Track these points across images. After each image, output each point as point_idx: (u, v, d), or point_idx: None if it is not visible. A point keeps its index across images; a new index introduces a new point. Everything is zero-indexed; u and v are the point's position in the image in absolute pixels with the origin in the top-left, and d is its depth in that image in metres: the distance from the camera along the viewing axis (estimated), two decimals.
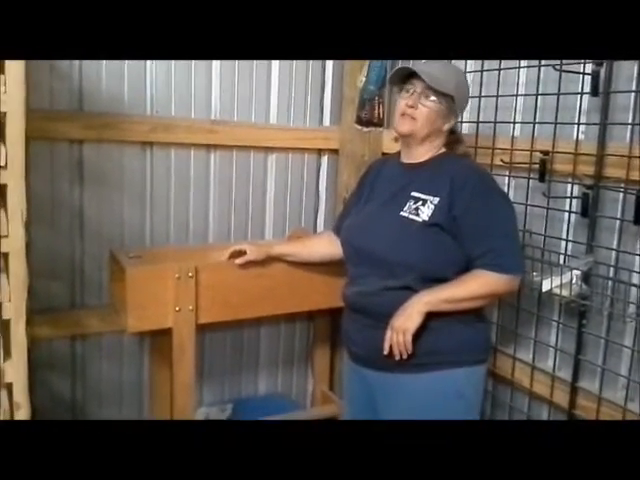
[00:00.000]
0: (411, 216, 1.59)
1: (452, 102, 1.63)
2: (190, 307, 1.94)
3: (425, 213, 1.57)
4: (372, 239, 1.65)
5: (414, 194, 1.61)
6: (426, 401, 1.60)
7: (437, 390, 1.60)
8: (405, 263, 1.58)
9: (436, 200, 1.57)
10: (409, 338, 1.53)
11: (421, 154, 1.68)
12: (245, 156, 2.47)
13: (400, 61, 2.50)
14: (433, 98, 1.60)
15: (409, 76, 1.63)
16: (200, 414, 2.44)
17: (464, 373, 1.61)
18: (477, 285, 1.56)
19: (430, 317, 1.55)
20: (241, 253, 2.00)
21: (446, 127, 1.67)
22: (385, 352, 1.57)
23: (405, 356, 1.55)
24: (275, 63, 2.47)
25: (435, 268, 1.58)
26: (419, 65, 1.64)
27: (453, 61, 2.22)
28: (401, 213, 1.60)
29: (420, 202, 1.59)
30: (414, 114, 1.61)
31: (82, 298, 2.24)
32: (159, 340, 2.22)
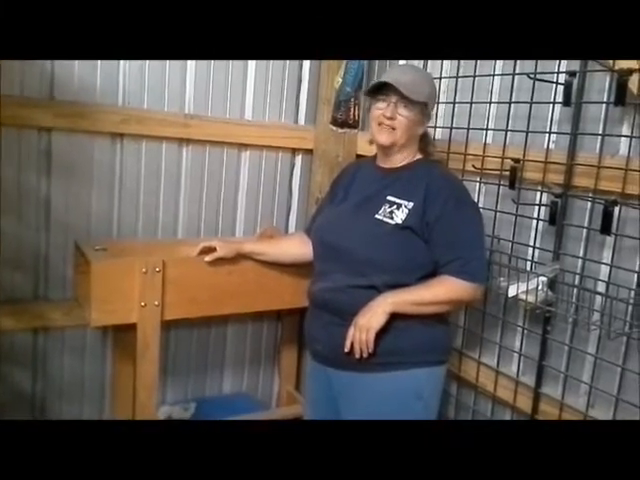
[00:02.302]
0: (385, 219, 1.61)
1: (425, 108, 1.66)
2: (156, 302, 1.91)
3: (399, 217, 1.60)
4: (343, 236, 1.66)
5: (390, 198, 1.64)
6: (386, 401, 1.61)
7: (397, 390, 1.61)
8: (374, 262, 1.60)
9: (410, 205, 1.60)
10: (372, 337, 1.54)
11: (399, 160, 1.71)
12: (218, 152, 2.45)
13: (377, 64, 2.53)
14: (409, 107, 1.62)
15: (382, 86, 1.63)
16: (163, 412, 2.41)
17: (424, 373, 1.63)
18: (443, 290, 1.59)
19: (392, 317, 1.56)
20: (211, 249, 1.98)
21: (420, 131, 1.71)
22: (346, 349, 1.57)
23: (365, 354, 1.55)
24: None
25: (403, 269, 1.60)
26: (393, 74, 1.65)
27: (426, 64, 2.24)
28: (376, 216, 1.62)
29: (395, 206, 1.62)
30: (393, 124, 1.63)
31: (46, 290, 2.20)
32: (123, 335, 2.18)
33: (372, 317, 1.54)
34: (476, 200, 2.07)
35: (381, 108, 1.64)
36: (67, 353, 2.29)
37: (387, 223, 1.60)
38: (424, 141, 1.75)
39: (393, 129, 1.63)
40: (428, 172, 1.67)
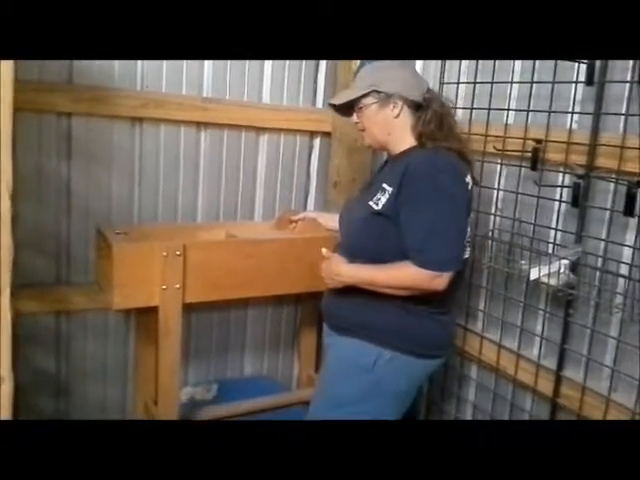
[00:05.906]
0: (372, 205, 1.64)
1: (377, 93, 1.65)
2: (177, 286, 1.93)
3: (381, 202, 1.62)
4: (344, 218, 1.82)
5: (383, 185, 1.65)
6: (339, 362, 1.72)
7: (349, 354, 1.69)
8: (353, 246, 1.70)
9: (390, 190, 1.61)
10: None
11: (396, 148, 1.71)
12: (236, 135, 2.45)
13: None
14: (360, 108, 1.70)
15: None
16: (185, 394, 2.43)
17: (387, 355, 1.64)
18: (399, 275, 1.58)
19: (366, 293, 1.62)
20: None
21: (395, 112, 1.66)
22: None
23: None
24: None
25: (377, 255, 1.62)
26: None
27: None
28: (369, 202, 1.65)
29: (383, 193, 1.63)
30: (362, 128, 1.74)
31: (68, 274, 2.22)
32: (145, 318, 2.20)
33: (334, 279, 1.68)
34: (496, 182, 2.05)
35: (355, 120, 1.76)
36: (90, 336, 2.32)
37: (370, 209, 1.63)
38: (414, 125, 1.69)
39: (364, 130, 1.74)
40: (413, 158, 1.62)
